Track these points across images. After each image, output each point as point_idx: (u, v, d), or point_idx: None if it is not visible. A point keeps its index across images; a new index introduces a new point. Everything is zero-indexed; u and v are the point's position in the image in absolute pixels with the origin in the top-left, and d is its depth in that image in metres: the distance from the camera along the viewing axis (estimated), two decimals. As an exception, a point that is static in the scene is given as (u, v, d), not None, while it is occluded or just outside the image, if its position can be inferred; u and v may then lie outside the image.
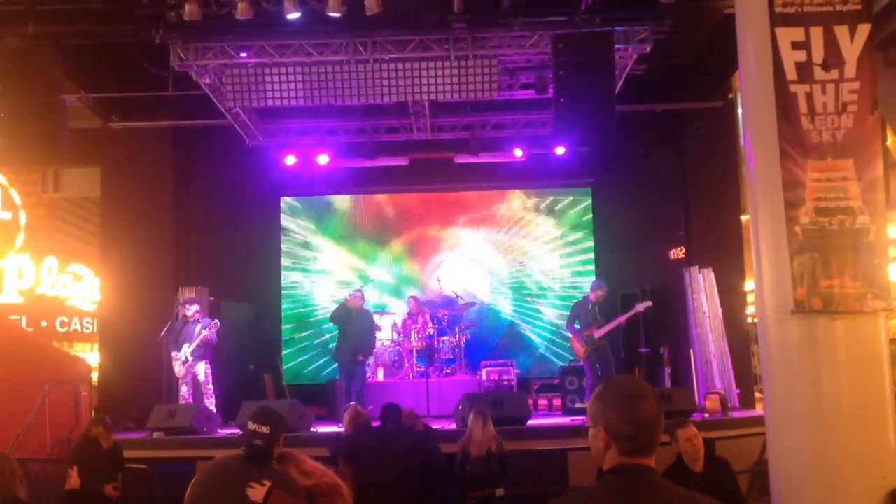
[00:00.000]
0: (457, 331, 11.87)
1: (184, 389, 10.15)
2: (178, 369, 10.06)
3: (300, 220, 13.53)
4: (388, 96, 9.09)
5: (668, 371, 11.25)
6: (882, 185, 5.62)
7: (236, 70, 8.98)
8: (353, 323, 10.53)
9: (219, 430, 9.47)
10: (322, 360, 12.87)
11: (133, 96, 10.58)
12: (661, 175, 12.11)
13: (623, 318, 10.10)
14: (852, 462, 5.31)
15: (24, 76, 8.09)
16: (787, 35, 5.70)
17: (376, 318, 11.75)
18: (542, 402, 11.79)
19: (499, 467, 6.80)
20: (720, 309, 10.80)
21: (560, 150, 11.65)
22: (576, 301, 10.86)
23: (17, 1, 8.01)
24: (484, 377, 11.37)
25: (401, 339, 11.89)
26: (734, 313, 11.05)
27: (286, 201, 13.50)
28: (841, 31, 5.69)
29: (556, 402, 11.44)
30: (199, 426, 9.12)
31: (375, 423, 6.78)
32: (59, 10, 8.17)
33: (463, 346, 11.84)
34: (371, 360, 11.37)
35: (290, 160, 12.01)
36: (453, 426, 9.01)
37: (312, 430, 9.29)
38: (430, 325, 11.84)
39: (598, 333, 9.90)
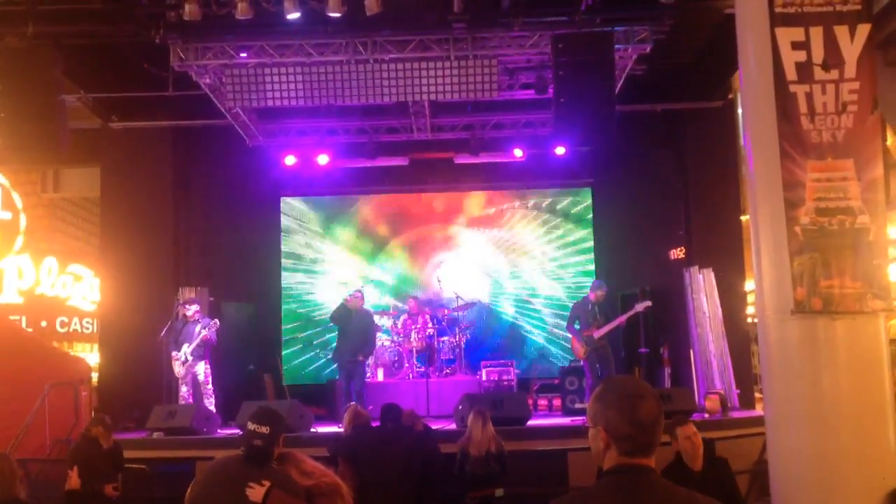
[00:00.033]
0: (457, 331, 11.87)
1: (184, 389, 10.15)
2: (178, 369, 10.06)
3: (300, 221, 13.52)
4: (388, 96, 9.08)
5: (668, 371, 11.25)
6: (882, 185, 5.62)
7: (236, 70, 8.98)
8: (353, 323, 10.52)
9: (218, 431, 9.47)
10: (322, 361, 12.87)
11: (133, 96, 10.58)
12: (661, 175, 12.11)
13: (623, 318, 10.10)
14: (852, 462, 5.31)
15: (24, 76, 8.09)
16: (786, 35, 5.70)
17: (376, 318, 11.75)
18: (542, 402, 11.79)
19: (498, 467, 6.80)
20: (720, 309, 10.80)
21: (560, 150, 11.65)
22: (575, 301, 10.86)
23: (17, 1, 8.01)
24: (484, 377, 11.37)
25: (401, 339, 11.88)
26: (734, 313, 11.05)
27: (286, 201, 13.49)
28: (841, 31, 5.69)
29: (556, 402, 11.44)
30: (199, 426, 9.12)
31: (375, 424, 6.78)
32: (58, 10, 8.17)
33: (463, 346, 11.84)
34: (371, 361, 11.37)
35: (290, 160, 12.01)
36: (453, 426, 9.01)
37: (312, 430, 9.28)
38: (430, 325, 11.84)
39: (597, 334, 9.90)
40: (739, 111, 11.06)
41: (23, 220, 15.46)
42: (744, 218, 11.11)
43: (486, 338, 12.96)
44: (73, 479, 6.42)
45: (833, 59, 5.67)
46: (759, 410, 9.81)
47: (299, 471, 3.79)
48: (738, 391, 10.58)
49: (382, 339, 11.92)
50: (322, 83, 8.94)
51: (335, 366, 11.07)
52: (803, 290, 5.49)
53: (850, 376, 5.40)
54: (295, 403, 9.50)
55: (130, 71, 9.91)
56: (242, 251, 12.45)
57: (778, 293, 5.62)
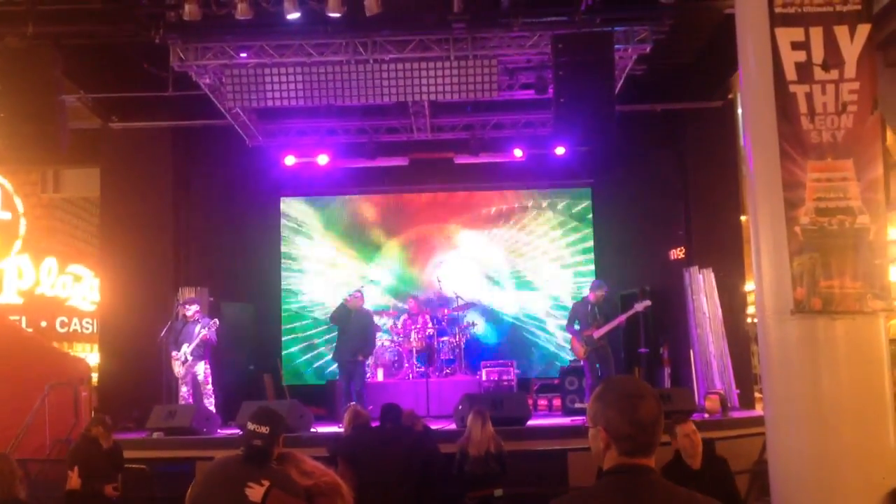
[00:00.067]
0: (457, 331, 11.87)
1: (183, 390, 10.15)
2: (178, 369, 10.06)
3: (300, 221, 13.53)
4: (388, 96, 9.08)
5: (667, 371, 11.25)
6: (882, 185, 5.61)
7: (236, 70, 8.98)
8: (353, 323, 10.52)
9: (218, 431, 9.46)
10: (322, 361, 12.88)
11: (133, 96, 10.58)
12: (660, 175, 12.11)
13: (623, 318, 10.10)
14: (852, 462, 5.30)
15: (24, 76, 8.08)
16: (786, 35, 5.70)
17: (376, 318, 11.75)
18: (542, 402, 11.79)
19: (497, 467, 6.80)
20: (720, 309, 10.80)
21: (560, 151, 11.65)
22: (575, 301, 10.87)
23: (16, 1, 8.01)
24: (484, 377, 11.37)
25: (401, 339, 11.88)
26: (734, 313, 11.05)
27: (286, 201, 13.50)
28: (841, 32, 5.68)
29: (556, 402, 11.44)
30: (199, 426, 9.12)
31: (375, 424, 6.78)
32: (58, 10, 8.17)
33: (463, 346, 11.84)
34: (371, 361, 11.37)
35: (289, 160, 12.01)
36: (453, 426, 9.01)
37: (312, 430, 9.28)
38: (429, 325, 11.84)
39: (597, 334, 9.90)
40: (739, 111, 11.05)
41: (22, 221, 15.46)
42: (744, 218, 11.12)
43: (486, 338, 12.96)
44: (74, 480, 6.43)
45: (833, 59, 5.66)
46: (758, 410, 9.81)
47: (299, 471, 3.79)
48: (738, 391, 10.58)
49: (382, 339, 11.92)
50: (322, 83, 8.94)
51: (335, 366, 11.08)
52: (803, 290, 5.49)
53: (850, 376, 5.40)
54: (295, 403, 9.50)
55: (130, 71, 9.90)
56: (242, 251, 12.45)
57: (778, 293, 5.61)
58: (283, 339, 13.05)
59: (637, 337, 11.05)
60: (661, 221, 12.09)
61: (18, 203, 15.34)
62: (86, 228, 17.50)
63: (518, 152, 11.88)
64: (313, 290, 13.32)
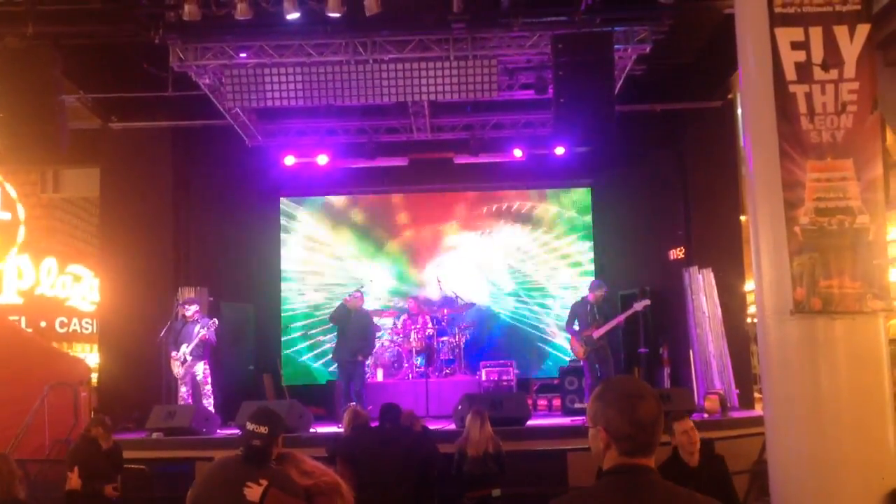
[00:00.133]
0: (456, 331, 11.87)
1: (183, 390, 10.15)
2: (177, 369, 10.06)
3: (300, 221, 13.53)
4: (388, 96, 9.08)
5: (667, 371, 11.25)
6: (881, 185, 5.62)
7: (235, 70, 8.97)
8: (353, 323, 10.53)
9: (218, 431, 9.46)
10: (321, 361, 12.88)
11: (132, 97, 10.58)
12: (660, 175, 12.11)
13: (622, 318, 10.09)
14: (852, 462, 5.30)
15: (24, 76, 8.08)
16: (786, 35, 5.70)
17: (376, 318, 11.75)
18: (542, 402, 11.80)
19: (496, 468, 6.79)
20: (720, 309, 10.80)
21: (560, 151, 11.65)
22: (574, 302, 10.86)
23: (16, 1, 8.00)
24: (483, 377, 11.37)
25: (400, 339, 11.88)
26: (734, 313, 11.05)
27: (286, 201, 13.50)
28: (840, 32, 5.69)
29: (556, 402, 11.44)
30: (199, 427, 9.12)
31: (374, 424, 6.78)
32: (58, 11, 8.16)
33: (462, 346, 11.84)
34: (370, 361, 11.37)
35: (289, 160, 12.01)
36: (453, 426, 9.01)
37: (312, 430, 9.28)
38: (429, 325, 11.84)
39: (597, 333, 9.89)
40: (739, 111, 11.06)
41: (22, 220, 15.45)
42: (743, 218, 11.12)
43: (486, 338, 12.96)
44: (74, 480, 6.42)
45: (832, 59, 5.67)
46: (758, 410, 9.81)
47: (299, 470, 3.79)
48: (738, 391, 10.58)
49: (382, 340, 11.92)
50: (321, 83, 8.94)
51: (335, 366, 11.08)
52: (803, 290, 5.49)
53: (849, 376, 5.40)
54: (294, 403, 9.50)
55: (130, 71, 9.90)
56: (242, 251, 12.45)
57: (777, 293, 5.62)
58: (283, 339, 13.05)
59: (637, 337, 11.05)
60: (661, 221, 12.09)
61: (16, 199, 15.34)
62: (85, 228, 17.53)
63: (518, 152, 11.88)
64: (313, 291, 13.32)
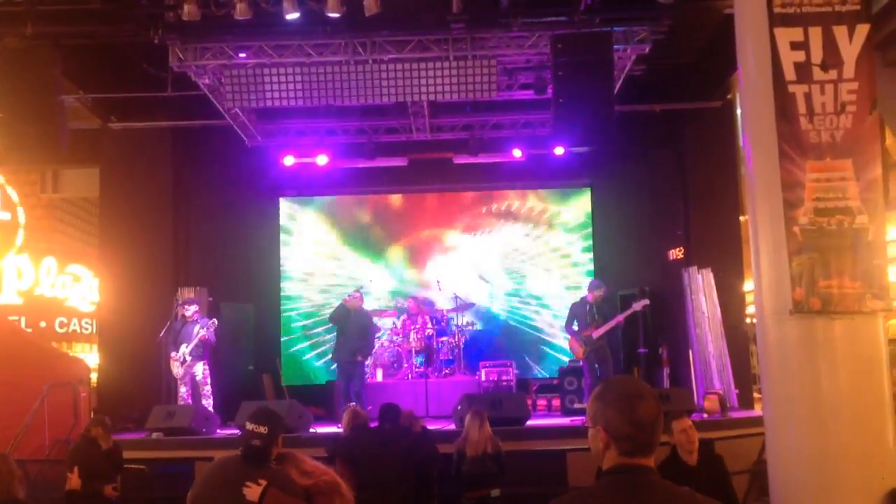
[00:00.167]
0: (456, 331, 11.87)
1: (182, 390, 10.15)
2: (177, 370, 10.05)
3: (299, 221, 13.52)
4: (388, 97, 9.08)
5: (666, 371, 11.24)
6: (881, 186, 5.62)
7: (235, 70, 8.98)
8: (352, 323, 10.52)
9: (218, 431, 9.46)
10: (321, 361, 12.88)
11: (132, 97, 10.58)
12: (660, 175, 12.12)
13: (621, 318, 10.09)
14: (851, 462, 5.31)
15: (24, 76, 8.08)
16: (785, 35, 5.70)
17: (375, 318, 11.75)
18: (542, 402, 11.79)
19: (495, 468, 6.79)
20: (719, 309, 10.80)
21: (559, 151, 11.64)
22: (574, 302, 10.86)
23: (16, 1, 8.01)
24: (483, 378, 11.36)
25: (400, 339, 11.88)
26: (733, 313, 11.05)
27: (285, 202, 13.50)
28: (840, 32, 5.69)
29: (555, 402, 11.43)
30: (198, 427, 9.12)
31: (374, 424, 6.78)
32: (58, 11, 8.17)
33: (462, 346, 11.83)
34: (370, 361, 11.37)
35: (289, 160, 12.00)
36: (452, 427, 9.01)
37: (311, 430, 9.28)
38: (429, 325, 11.84)
39: (596, 333, 9.89)
40: (738, 111, 11.07)
41: (22, 220, 15.46)
42: (743, 218, 11.12)
43: (485, 338, 12.96)
44: (74, 480, 6.42)
45: (832, 59, 5.67)
46: (757, 410, 9.82)
47: (299, 470, 3.79)
48: (737, 391, 10.58)
49: (382, 340, 11.92)
50: (321, 83, 8.94)
51: (334, 366, 11.08)
52: (802, 291, 5.49)
53: (849, 376, 5.40)
54: (294, 403, 9.49)
55: (129, 71, 9.91)
56: (242, 251, 12.45)
57: (777, 293, 5.62)
58: (283, 339, 13.05)
59: (636, 337, 11.04)
60: (661, 221, 12.10)
61: (16, 199, 15.35)
62: (85, 228, 17.52)
63: (517, 152, 11.88)
64: (313, 290, 13.32)
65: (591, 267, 13.11)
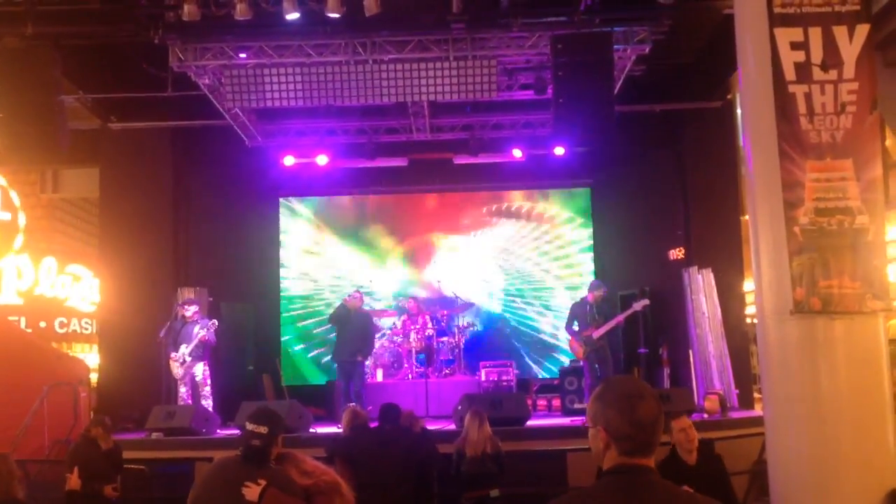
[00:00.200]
0: (456, 331, 11.87)
1: (182, 390, 10.14)
2: (177, 370, 10.05)
3: (299, 221, 13.53)
4: (388, 97, 9.09)
5: (667, 371, 11.25)
6: (881, 186, 5.62)
7: (235, 70, 8.98)
8: (352, 323, 10.52)
9: (218, 431, 9.46)
10: (321, 361, 12.88)
11: (132, 97, 10.57)
12: (660, 175, 12.11)
13: (621, 318, 10.10)
14: (851, 462, 5.31)
15: (23, 77, 8.08)
16: (785, 35, 5.71)
17: (375, 318, 11.75)
18: (542, 402, 11.80)
19: (494, 468, 6.79)
20: (719, 309, 10.80)
21: (559, 151, 11.65)
22: (574, 302, 10.86)
23: (16, 1, 8.01)
24: (483, 378, 11.36)
25: (400, 339, 11.88)
26: (733, 314, 11.05)
27: (285, 202, 13.50)
28: (840, 32, 5.69)
29: (556, 402, 11.43)
30: (198, 427, 9.12)
31: (374, 424, 6.78)
32: (57, 11, 8.17)
33: (462, 346, 11.84)
34: (370, 361, 11.37)
35: (289, 161, 12.01)
36: (452, 427, 9.01)
37: (311, 430, 9.28)
38: (429, 325, 11.84)
39: (596, 334, 9.90)
40: (738, 111, 11.06)
41: (22, 221, 15.46)
42: (743, 218, 11.11)
43: (485, 338, 12.96)
44: (74, 480, 6.42)
45: (832, 59, 5.67)
46: (758, 411, 9.81)
47: (299, 470, 3.79)
48: (737, 391, 10.58)
49: (382, 340, 11.91)
50: (321, 84, 8.94)
51: (334, 366, 11.08)
52: (802, 291, 5.49)
53: (849, 376, 5.40)
54: (294, 404, 9.49)
55: (129, 71, 9.91)
56: (242, 251, 12.45)
57: (777, 293, 5.62)
58: (282, 339, 13.05)
59: (636, 337, 11.04)
60: (661, 221, 12.09)
61: (15, 199, 15.35)
62: (85, 228, 17.51)
63: (517, 153, 11.88)
64: (312, 291, 13.31)
65: (591, 267, 13.11)
